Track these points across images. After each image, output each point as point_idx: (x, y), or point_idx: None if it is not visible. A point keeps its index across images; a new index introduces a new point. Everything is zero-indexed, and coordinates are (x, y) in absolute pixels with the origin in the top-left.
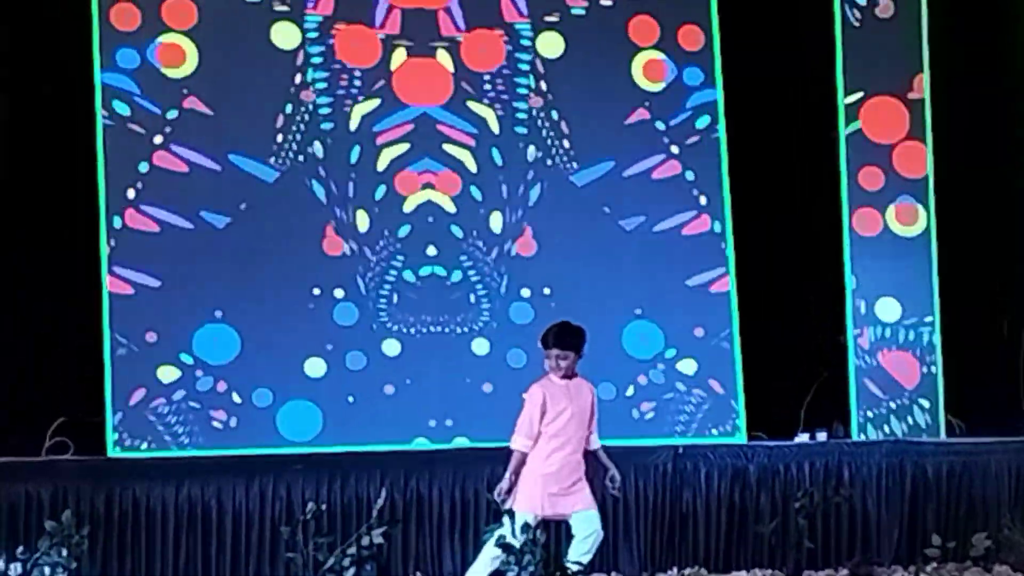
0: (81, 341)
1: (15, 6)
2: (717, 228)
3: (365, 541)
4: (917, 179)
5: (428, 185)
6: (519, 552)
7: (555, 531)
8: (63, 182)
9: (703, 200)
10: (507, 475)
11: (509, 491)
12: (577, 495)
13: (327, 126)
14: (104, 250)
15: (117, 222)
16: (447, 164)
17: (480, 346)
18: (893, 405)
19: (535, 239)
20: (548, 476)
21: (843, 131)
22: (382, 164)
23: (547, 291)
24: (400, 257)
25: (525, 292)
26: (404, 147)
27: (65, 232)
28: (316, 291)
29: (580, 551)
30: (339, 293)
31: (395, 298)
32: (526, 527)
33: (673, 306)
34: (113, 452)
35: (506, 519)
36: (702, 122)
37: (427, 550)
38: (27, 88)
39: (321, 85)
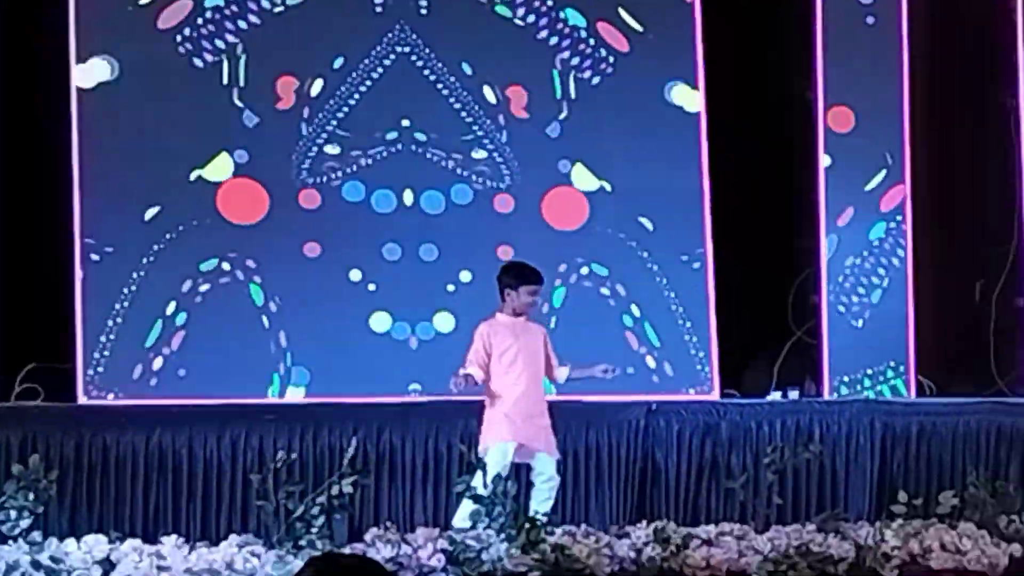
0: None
1: None
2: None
3: (335, 490)
4: None
5: None
6: (489, 503)
7: (524, 484)
8: None
9: None
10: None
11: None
12: (544, 432)
13: None
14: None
15: None
16: None
17: None
18: (870, 371)
19: None
20: (509, 412)
21: None
22: None
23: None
24: None
25: None
26: None
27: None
28: None
29: (540, 498)
30: None
31: None
32: (498, 478)
33: None
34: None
35: (478, 471)
36: None
37: (398, 501)
38: None
39: None
